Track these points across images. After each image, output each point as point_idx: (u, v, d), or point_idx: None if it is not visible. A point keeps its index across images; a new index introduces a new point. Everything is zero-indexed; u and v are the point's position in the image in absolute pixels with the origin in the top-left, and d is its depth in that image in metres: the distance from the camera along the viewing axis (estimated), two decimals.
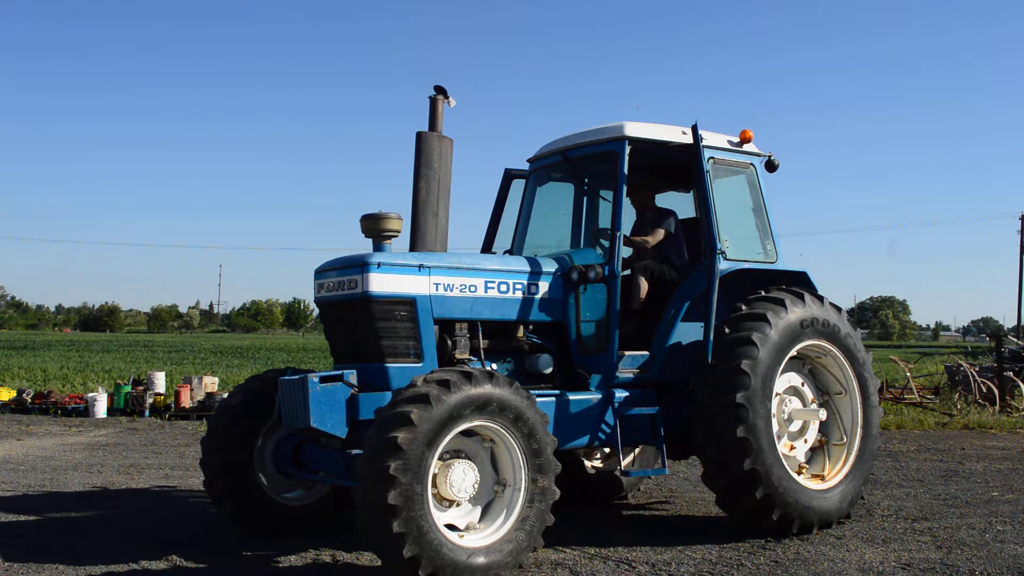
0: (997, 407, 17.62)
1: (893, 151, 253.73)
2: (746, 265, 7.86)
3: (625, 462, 7.32)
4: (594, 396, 7.24)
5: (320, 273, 6.94)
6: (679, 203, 8.90)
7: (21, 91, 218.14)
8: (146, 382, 18.79)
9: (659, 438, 7.30)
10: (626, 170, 7.54)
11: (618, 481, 9.03)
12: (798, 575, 6.30)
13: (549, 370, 7.34)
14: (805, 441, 7.85)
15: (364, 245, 6.92)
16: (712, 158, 7.89)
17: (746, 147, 8.19)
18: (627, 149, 7.58)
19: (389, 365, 6.54)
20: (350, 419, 6.34)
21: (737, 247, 7.94)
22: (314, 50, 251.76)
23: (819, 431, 7.93)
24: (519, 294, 7.20)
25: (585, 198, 8.70)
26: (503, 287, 7.14)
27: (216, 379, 19.09)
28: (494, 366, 7.15)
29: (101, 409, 17.25)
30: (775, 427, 7.34)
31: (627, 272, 7.81)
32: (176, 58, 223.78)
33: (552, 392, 7.08)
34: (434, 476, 5.86)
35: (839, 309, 7.95)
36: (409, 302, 6.63)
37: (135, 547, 6.92)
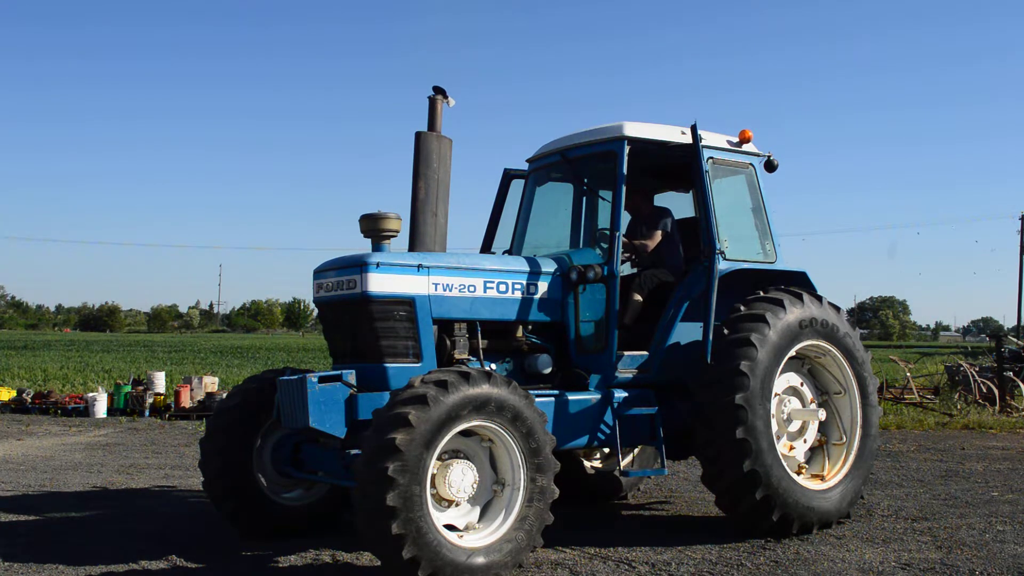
0: (997, 407, 17.62)
1: (893, 151, 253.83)
2: (745, 265, 7.86)
3: (624, 462, 7.32)
4: (593, 396, 7.24)
5: (319, 273, 6.94)
6: (678, 203, 8.89)
7: (21, 91, 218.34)
8: (146, 382, 18.83)
9: (658, 438, 7.29)
10: (625, 170, 7.54)
11: (617, 481, 9.03)
12: (798, 575, 6.30)
13: (548, 370, 7.34)
14: (804, 441, 7.85)
15: (363, 245, 6.92)
16: (711, 158, 7.89)
17: (745, 147, 8.19)
18: (626, 149, 7.57)
19: (388, 365, 6.54)
20: (349, 419, 6.34)
21: (736, 247, 7.94)
22: (314, 51, 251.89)
23: (818, 431, 7.93)
24: (518, 294, 7.20)
25: (584, 198, 8.69)
26: (502, 287, 7.14)
27: (216, 379, 19.12)
28: (493, 366, 7.14)
29: (101, 409, 17.28)
30: (774, 427, 7.34)
31: (627, 272, 7.80)
32: (176, 58, 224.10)
33: (551, 392, 7.07)
34: (433, 477, 5.86)
35: (838, 309, 7.95)
36: (408, 302, 6.63)
37: (135, 547, 6.92)
